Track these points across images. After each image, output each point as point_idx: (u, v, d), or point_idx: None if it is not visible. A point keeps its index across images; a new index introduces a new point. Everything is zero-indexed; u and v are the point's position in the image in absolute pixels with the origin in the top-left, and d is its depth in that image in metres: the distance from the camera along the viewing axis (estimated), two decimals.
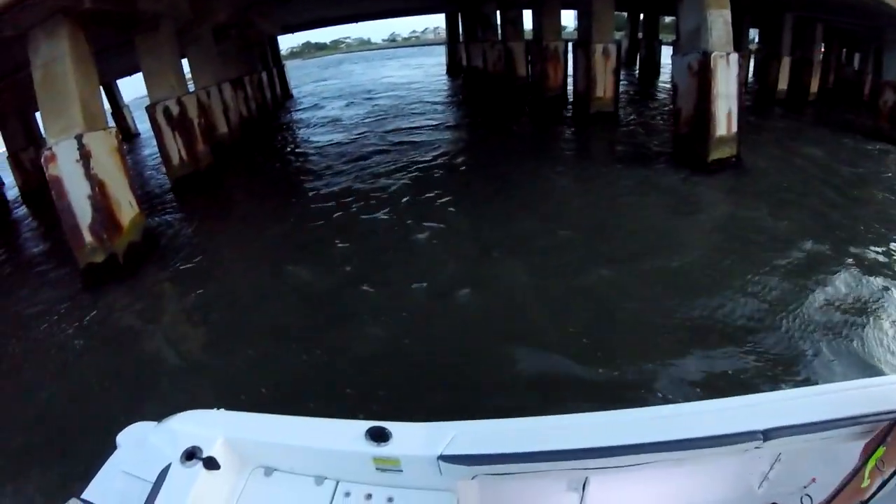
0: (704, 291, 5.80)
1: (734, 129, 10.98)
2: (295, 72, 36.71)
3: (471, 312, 5.74)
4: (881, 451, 1.78)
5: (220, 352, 5.44)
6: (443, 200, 9.20)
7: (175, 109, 11.05)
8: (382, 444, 2.14)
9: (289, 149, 14.66)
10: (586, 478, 2.33)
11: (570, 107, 17.07)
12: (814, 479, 2.46)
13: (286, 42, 78.94)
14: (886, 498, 1.04)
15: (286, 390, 4.65)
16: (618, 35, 41.16)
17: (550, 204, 9.10)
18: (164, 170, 11.63)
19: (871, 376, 2.86)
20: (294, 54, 71.23)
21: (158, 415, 2.52)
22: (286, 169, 12.60)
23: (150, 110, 11.06)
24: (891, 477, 1.37)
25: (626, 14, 35.06)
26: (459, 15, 29.45)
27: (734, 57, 10.79)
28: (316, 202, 9.77)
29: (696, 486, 2.55)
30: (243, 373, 4.99)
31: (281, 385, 4.72)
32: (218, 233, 9.12)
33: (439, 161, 11.49)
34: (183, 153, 11.18)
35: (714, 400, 2.33)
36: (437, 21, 35.24)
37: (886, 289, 5.85)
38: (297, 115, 20.19)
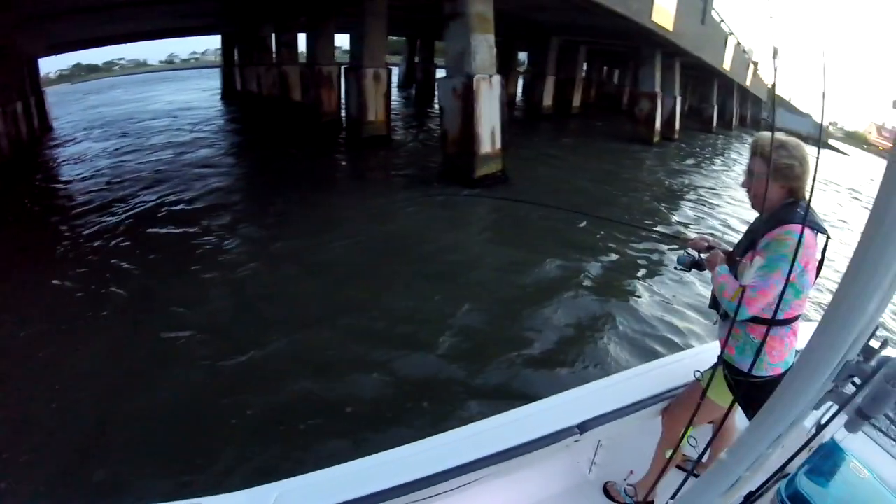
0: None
1: (498, 146, 11.82)
2: (60, 97, 32.28)
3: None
4: (691, 429, 1.85)
5: None
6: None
7: None
8: None
9: (44, 190, 12.55)
10: None
11: (344, 131, 17.21)
12: (631, 472, 2.65)
13: (54, 64, 68.68)
14: (713, 478, 1.09)
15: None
16: (396, 59, 42.96)
17: (329, 224, 9.09)
18: None
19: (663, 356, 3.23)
20: (63, 77, 62.51)
21: None
22: (40, 213, 10.69)
23: None
24: (713, 436, 1.52)
25: (404, 38, 36.57)
26: (235, 38, 28.32)
27: (496, 79, 11.53)
28: (77, 246, 8.46)
29: (535, 487, 2.62)
30: None
31: None
32: None
33: (210, 199, 10.67)
34: None
35: (531, 404, 2.42)
36: (217, 43, 33.23)
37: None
38: (57, 151, 17.56)
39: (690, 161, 19.03)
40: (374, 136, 15.62)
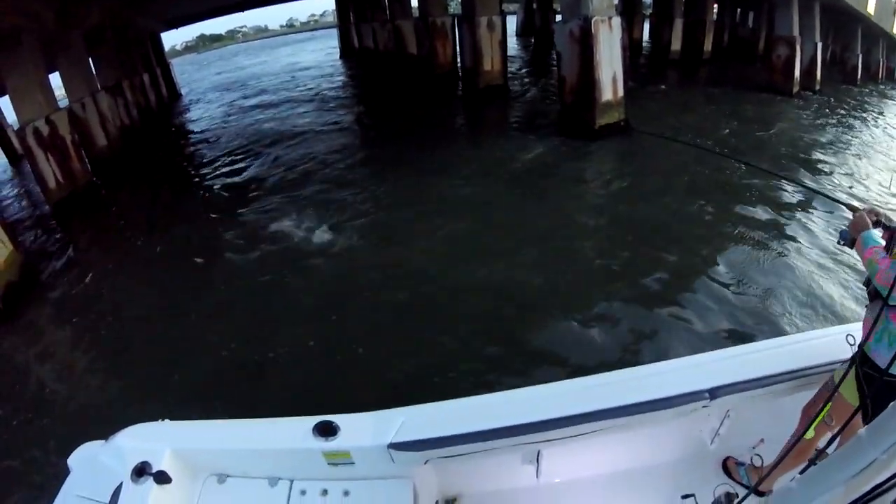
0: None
1: (620, 93, 11.30)
2: (187, 67, 34.94)
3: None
4: (828, 407, 1.81)
5: (118, 372, 5.40)
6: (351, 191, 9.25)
7: (45, 129, 10.31)
8: (331, 438, 2.10)
9: (175, 154, 13.91)
10: (539, 451, 2.37)
11: (461, 83, 17.09)
12: (762, 440, 2.59)
13: (179, 36, 74.38)
14: (839, 455, 1.10)
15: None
16: (513, 7, 41.61)
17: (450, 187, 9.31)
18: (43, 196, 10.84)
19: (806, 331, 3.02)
20: (189, 48, 67.65)
21: (106, 433, 2.44)
22: (171, 177, 11.97)
23: (20, 134, 10.35)
24: (840, 430, 1.46)
25: None
26: None
27: (616, 21, 10.91)
28: (208, 208, 9.46)
29: (650, 448, 2.60)
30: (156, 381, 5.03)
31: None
32: (100, 256, 8.71)
33: (338, 157, 11.22)
34: (58, 175, 10.51)
35: (660, 363, 2.39)
36: (333, 4, 34.08)
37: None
38: (184, 117, 19.22)
39: (837, 116, 16.72)
40: (490, 87, 15.43)
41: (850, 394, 1.96)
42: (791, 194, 8.01)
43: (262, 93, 20.83)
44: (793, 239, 6.76)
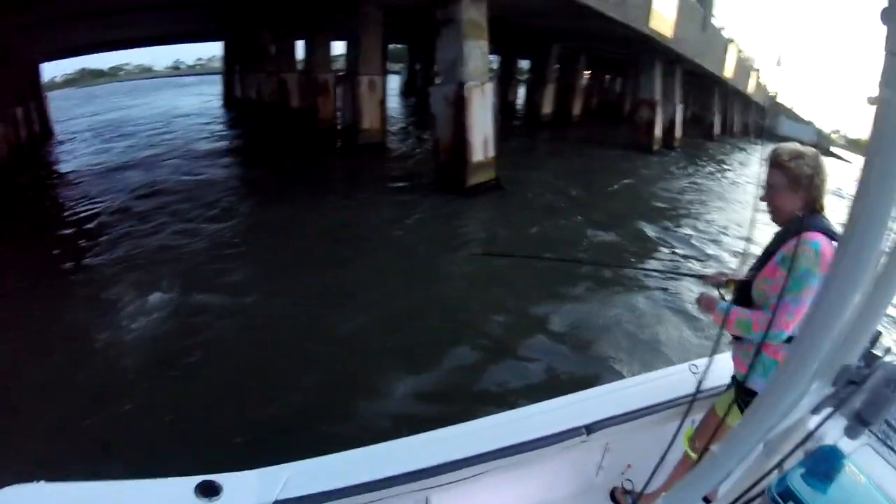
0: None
1: (491, 154, 11.71)
2: (64, 103, 32.46)
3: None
4: (690, 430, 1.98)
5: None
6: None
7: None
8: (214, 498, 1.94)
9: (34, 199, 12.44)
10: (427, 497, 2.28)
11: (340, 139, 17.14)
12: (629, 465, 2.71)
13: (59, 68, 69.14)
14: (704, 472, 1.19)
15: None
16: (397, 66, 42.92)
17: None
18: None
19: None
20: (69, 81, 63.20)
21: None
22: (37, 230, 10.53)
23: None
24: (702, 453, 1.54)
25: (406, 46, 36.59)
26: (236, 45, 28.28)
27: (489, 86, 11.44)
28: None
29: (538, 485, 2.62)
30: None
31: None
32: None
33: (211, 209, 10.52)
34: None
35: (539, 403, 2.45)
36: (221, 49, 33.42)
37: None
38: (52, 159, 17.57)
39: (690, 169, 18.83)
40: (368, 144, 15.51)
41: (734, 420, 2.08)
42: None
43: (136, 139, 19.52)
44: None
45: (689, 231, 10.62)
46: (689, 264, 8.67)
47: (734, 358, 2.19)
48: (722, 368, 2.41)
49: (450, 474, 2.04)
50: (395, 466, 2.02)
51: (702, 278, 2.41)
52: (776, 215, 2.02)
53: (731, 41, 25.13)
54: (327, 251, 8.17)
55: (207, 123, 22.63)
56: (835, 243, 1.82)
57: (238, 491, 2.01)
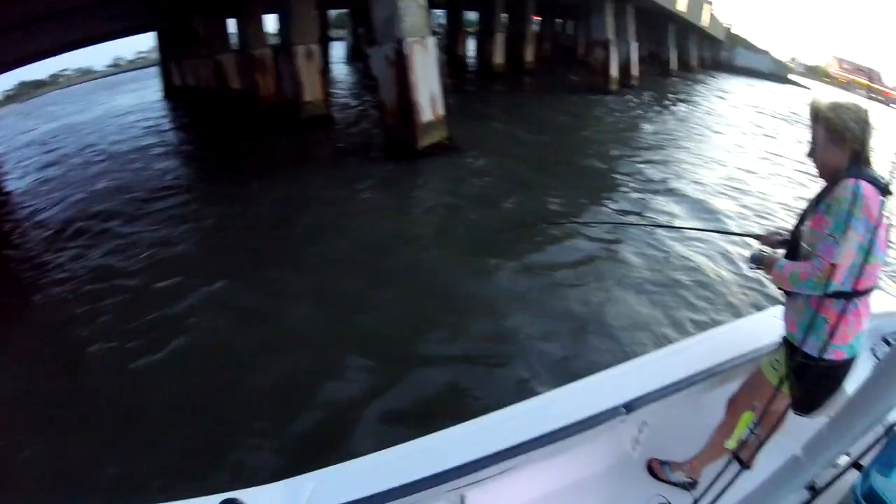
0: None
1: (441, 112, 11.17)
2: (8, 121, 31.00)
3: None
4: (750, 415, 1.81)
5: None
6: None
7: None
8: None
9: None
10: (462, 496, 2.22)
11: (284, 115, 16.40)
12: (666, 436, 2.64)
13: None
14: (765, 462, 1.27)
15: None
16: (342, 33, 41.53)
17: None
18: None
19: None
20: (10, 98, 60.22)
21: None
22: None
23: None
24: (765, 439, 1.50)
25: (346, 11, 35.32)
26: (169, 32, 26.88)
27: (431, 40, 10.85)
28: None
29: (574, 466, 2.57)
30: None
31: None
32: None
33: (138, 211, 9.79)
34: None
35: (575, 382, 2.33)
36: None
37: None
38: None
39: (647, 105, 18.74)
40: (314, 117, 14.90)
41: (773, 379, 2.10)
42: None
43: (70, 148, 18.42)
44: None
45: (661, 174, 10.30)
46: (729, 223, 7.96)
47: (786, 318, 2.12)
48: (758, 330, 2.46)
49: (482, 471, 1.93)
50: (426, 467, 1.92)
51: (757, 238, 2.37)
52: (822, 170, 1.95)
53: None
54: (269, 245, 7.46)
55: (145, 119, 21.49)
56: (880, 194, 1.74)
57: None
